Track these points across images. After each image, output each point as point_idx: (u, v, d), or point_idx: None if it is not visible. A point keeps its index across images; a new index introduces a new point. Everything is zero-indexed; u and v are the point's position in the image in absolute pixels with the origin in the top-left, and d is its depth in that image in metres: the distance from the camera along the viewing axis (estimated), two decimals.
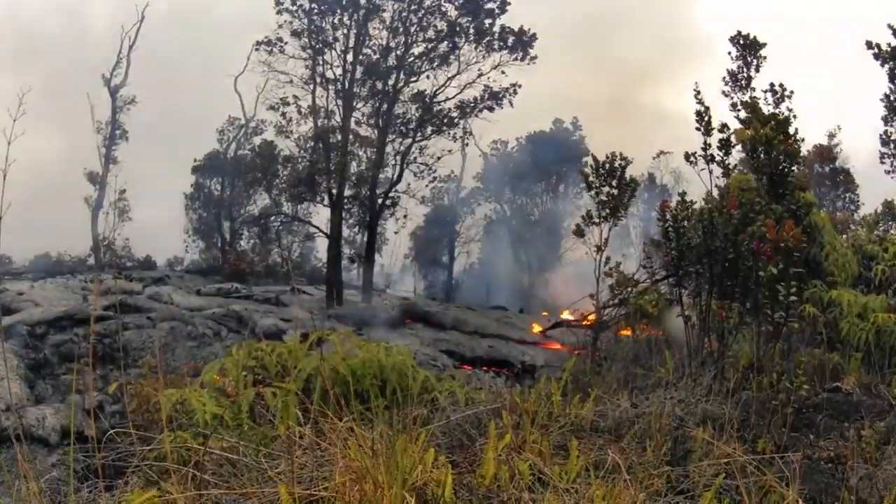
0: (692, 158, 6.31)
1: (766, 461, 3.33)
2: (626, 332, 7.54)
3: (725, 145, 6.16)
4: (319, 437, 3.12)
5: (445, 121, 19.23)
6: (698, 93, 6.41)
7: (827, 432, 4.32)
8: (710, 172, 6.26)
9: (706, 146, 6.20)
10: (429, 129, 19.31)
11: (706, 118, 6.20)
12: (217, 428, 3.45)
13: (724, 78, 14.20)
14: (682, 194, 6.09)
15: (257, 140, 25.62)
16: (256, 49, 18.86)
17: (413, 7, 18.59)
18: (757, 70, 13.89)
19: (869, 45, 12.93)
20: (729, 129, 6.19)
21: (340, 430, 3.01)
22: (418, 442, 3.09)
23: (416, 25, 18.89)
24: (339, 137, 17.62)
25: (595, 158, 7.04)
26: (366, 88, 18.68)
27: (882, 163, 15.51)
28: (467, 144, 25.93)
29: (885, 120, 14.30)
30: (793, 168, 6.31)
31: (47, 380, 7.08)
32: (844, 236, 10.33)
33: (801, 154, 6.37)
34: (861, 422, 4.28)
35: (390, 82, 18.75)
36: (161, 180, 27.37)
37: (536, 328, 15.15)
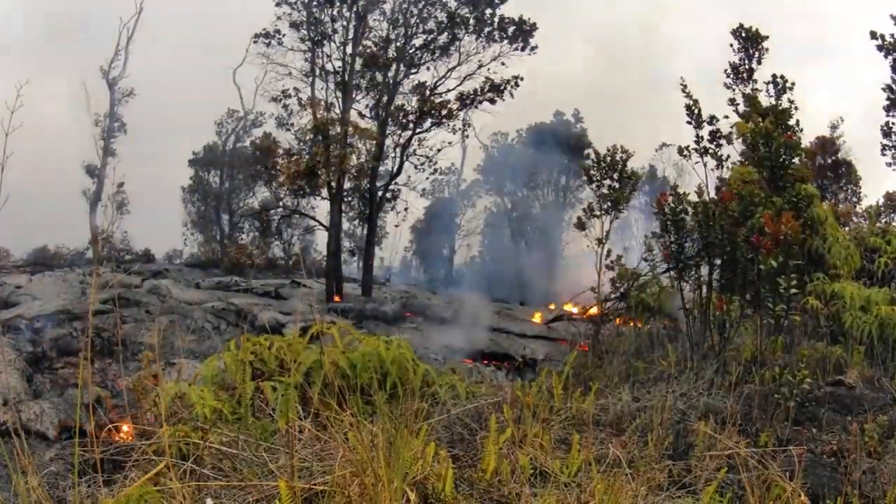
0: (685, 152, 6.27)
1: (769, 455, 3.31)
2: (619, 322, 7.53)
3: (716, 137, 6.13)
4: (320, 430, 3.10)
5: (445, 113, 19.12)
6: (685, 87, 6.37)
7: (829, 426, 4.30)
8: (705, 165, 6.23)
9: (698, 139, 6.18)
10: (429, 122, 19.21)
11: (696, 111, 6.17)
12: (216, 422, 3.43)
13: (725, 70, 14.11)
14: (675, 187, 6.08)
15: (257, 132, 25.54)
16: (255, 41, 18.74)
17: None
18: (759, 62, 13.79)
19: (873, 35, 12.82)
20: (718, 121, 6.17)
21: (341, 424, 2.99)
22: (419, 436, 3.07)
23: (416, 17, 18.75)
24: (339, 129, 17.53)
25: (596, 152, 7.00)
26: (365, 80, 18.56)
27: (883, 154, 15.41)
28: (467, 136, 25.84)
29: (887, 109, 14.21)
30: (793, 160, 6.26)
31: (45, 374, 7.05)
32: (847, 228, 10.29)
33: (802, 146, 6.32)
34: (864, 415, 4.26)
35: (390, 74, 18.63)
36: (160, 173, 27.31)
37: (537, 317, 15.14)
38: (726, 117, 6.30)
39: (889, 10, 13.47)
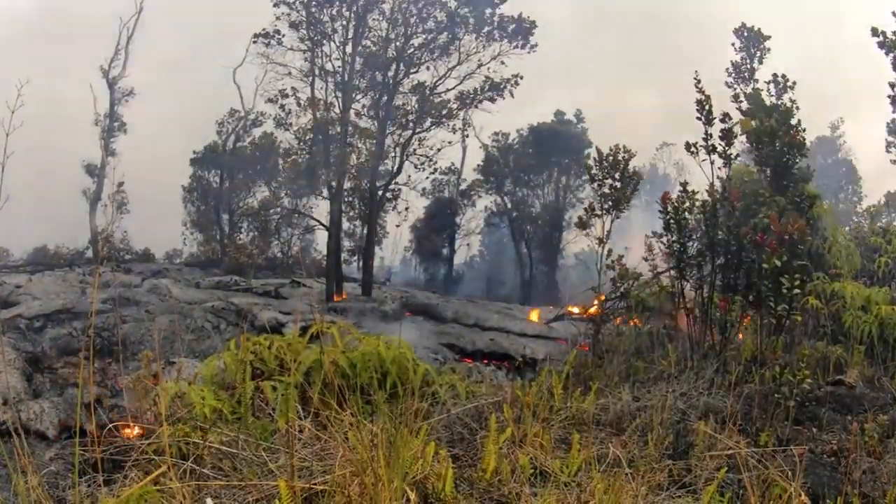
0: (693, 148, 6.22)
1: (769, 455, 3.31)
2: (618, 321, 7.52)
3: (728, 135, 6.07)
4: (320, 430, 3.10)
5: (445, 112, 19.11)
6: (698, 81, 6.32)
7: (830, 426, 4.30)
8: (712, 163, 6.19)
9: (707, 136, 6.12)
10: (429, 121, 19.19)
11: (707, 107, 6.12)
12: (216, 422, 3.42)
13: (727, 69, 14.13)
14: (684, 184, 6.03)
15: (257, 132, 25.53)
16: (254, 41, 18.71)
17: None
18: (760, 62, 13.81)
19: (874, 31, 12.77)
20: (731, 118, 6.10)
21: (341, 424, 2.99)
22: (419, 435, 3.07)
23: (415, 16, 18.74)
24: (339, 129, 17.53)
25: (599, 151, 6.98)
26: (365, 80, 18.55)
27: (888, 151, 15.35)
28: (467, 136, 25.85)
29: (893, 104, 14.16)
30: (797, 160, 6.24)
31: (45, 373, 7.05)
32: (847, 228, 10.29)
33: (806, 146, 6.30)
34: (864, 415, 4.26)
35: (390, 74, 18.62)
36: (160, 173, 27.33)
37: (534, 316, 15.12)
38: (728, 115, 6.26)
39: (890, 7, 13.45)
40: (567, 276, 27.02)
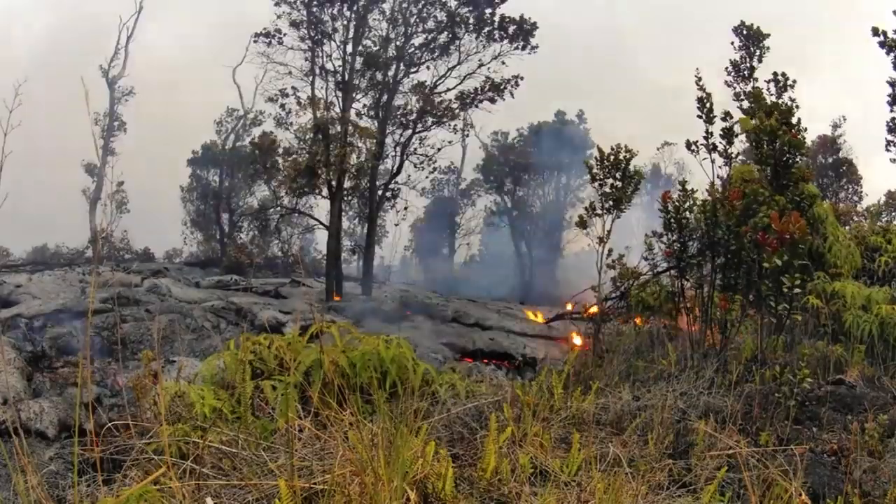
0: (693, 147, 6.21)
1: (769, 454, 3.31)
2: (621, 321, 7.52)
3: (728, 134, 6.07)
4: (319, 429, 3.10)
5: (446, 112, 19.11)
6: (699, 79, 6.31)
7: (830, 425, 4.30)
8: (713, 162, 6.18)
9: (708, 134, 6.12)
10: (429, 121, 19.20)
11: (707, 105, 6.12)
12: (216, 421, 3.42)
13: (726, 68, 14.08)
14: (683, 183, 6.03)
15: (256, 131, 25.54)
16: (255, 41, 18.71)
17: None
18: (759, 60, 13.77)
19: (875, 31, 12.75)
20: (732, 117, 6.10)
21: (341, 423, 2.99)
22: (419, 435, 3.06)
23: (415, 16, 18.74)
24: (339, 128, 17.52)
25: (600, 150, 6.96)
26: (365, 79, 18.55)
27: (888, 150, 15.30)
28: (467, 136, 25.86)
29: (891, 105, 14.12)
30: (797, 159, 6.24)
31: (45, 373, 7.04)
32: (847, 227, 10.28)
33: (806, 145, 6.29)
34: (864, 414, 4.25)
35: (390, 73, 18.62)
36: (160, 172, 27.38)
37: (539, 318, 15.13)
38: (729, 114, 6.24)
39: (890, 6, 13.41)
40: (567, 275, 27.04)
